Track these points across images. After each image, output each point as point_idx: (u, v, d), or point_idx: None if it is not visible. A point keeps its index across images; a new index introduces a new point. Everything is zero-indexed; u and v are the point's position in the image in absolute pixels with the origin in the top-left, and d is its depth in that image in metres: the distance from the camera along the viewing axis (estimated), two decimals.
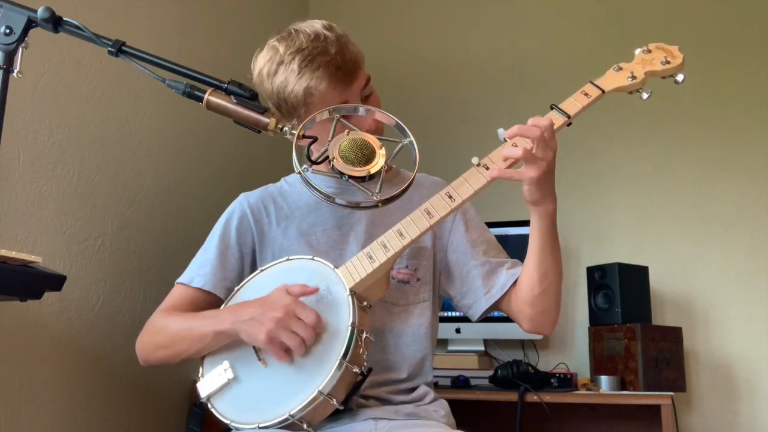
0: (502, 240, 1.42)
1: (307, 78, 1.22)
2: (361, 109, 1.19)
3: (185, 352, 1.20)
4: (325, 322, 1.10)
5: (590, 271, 2.22)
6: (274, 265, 1.24)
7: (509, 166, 1.13)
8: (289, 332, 1.07)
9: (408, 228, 1.14)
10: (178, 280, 1.33)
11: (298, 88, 1.23)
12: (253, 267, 1.32)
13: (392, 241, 1.14)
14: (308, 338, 1.07)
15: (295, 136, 1.07)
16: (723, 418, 2.18)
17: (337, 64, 1.23)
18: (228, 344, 1.17)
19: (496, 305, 1.31)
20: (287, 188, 1.41)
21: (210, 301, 1.28)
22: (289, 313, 1.08)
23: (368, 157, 1.06)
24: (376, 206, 1.06)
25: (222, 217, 1.38)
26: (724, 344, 2.22)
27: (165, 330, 1.25)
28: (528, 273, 1.24)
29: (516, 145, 1.11)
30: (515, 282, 1.29)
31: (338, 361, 1.04)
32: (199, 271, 1.31)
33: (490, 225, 1.45)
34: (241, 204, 1.38)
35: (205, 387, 1.15)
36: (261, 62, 1.27)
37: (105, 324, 1.73)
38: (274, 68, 1.25)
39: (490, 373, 2.12)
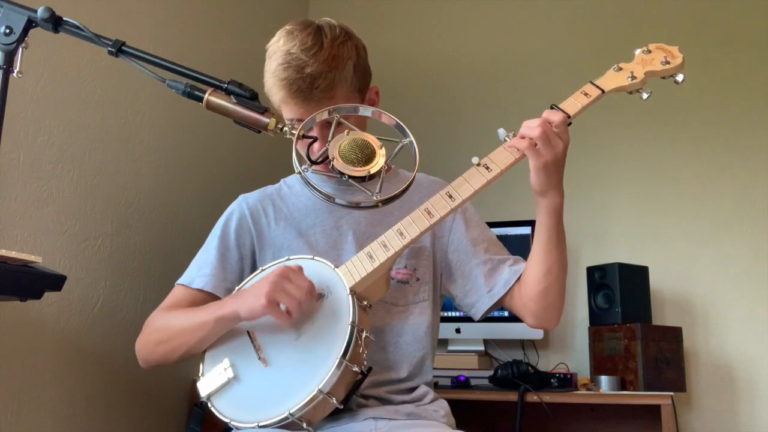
0: (503, 240, 1.42)
1: (269, 84, 1.26)
2: (362, 109, 1.19)
3: (186, 344, 1.19)
4: (321, 290, 1.11)
5: (590, 271, 2.22)
6: (274, 264, 1.23)
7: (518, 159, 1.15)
8: (284, 293, 1.07)
9: (408, 227, 1.14)
10: (179, 282, 1.33)
11: (266, 86, 1.27)
12: (254, 268, 1.32)
13: (392, 241, 1.14)
14: (303, 299, 1.08)
15: (295, 137, 1.07)
16: (723, 418, 2.18)
17: (299, 86, 1.22)
18: (228, 342, 1.17)
19: (499, 303, 1.31)
20: (286, 189, 1.41)
21: (210, 302, 1.28)
22: (283, 275, 1.09)
23: (368, 157, 1.06)
24: (376, 206, 1.06)
25: (221, 218, 1.38)
26: (724, 344, 2.22)
27: (165, 325, 1.25)
28: (533, 268, 1.24)
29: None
30: (518, 279, 1.29)
31: (338, 360, 1.04)
32: (200, 272, 1.31)
33: (491, 225, 1.45)
34: (239, 205, 1.38)
35: (205, 386, 1.15)
36: (272, 39, 1.29)
37: (105, 324, 1.73)
38: (269, 53, 1.27)
39: (490, 373, 2.12)
